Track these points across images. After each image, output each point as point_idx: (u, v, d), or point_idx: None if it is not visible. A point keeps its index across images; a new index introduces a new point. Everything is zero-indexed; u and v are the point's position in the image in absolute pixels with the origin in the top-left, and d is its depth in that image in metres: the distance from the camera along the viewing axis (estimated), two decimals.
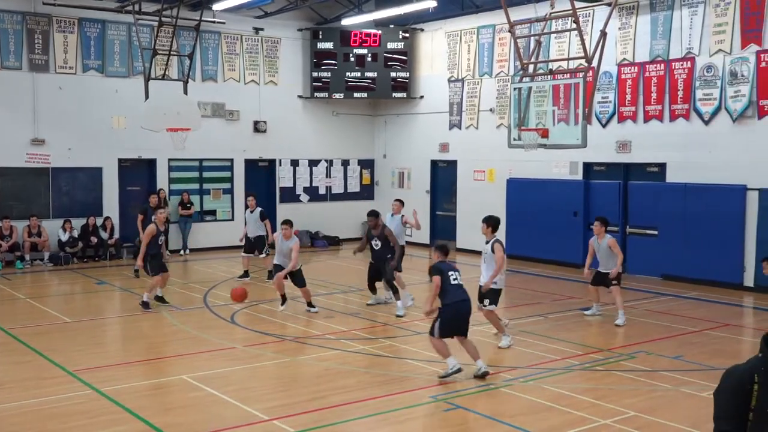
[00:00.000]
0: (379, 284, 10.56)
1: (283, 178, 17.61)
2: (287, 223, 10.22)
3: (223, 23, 16.01)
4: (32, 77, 14.26)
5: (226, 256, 15.29)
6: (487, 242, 8.23)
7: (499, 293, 8.34)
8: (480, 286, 8.22)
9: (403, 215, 11.01)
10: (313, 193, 18.07)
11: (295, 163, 17.80)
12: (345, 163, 18.59)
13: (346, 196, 18.52)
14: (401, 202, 11.31)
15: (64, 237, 14.14)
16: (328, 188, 18.35)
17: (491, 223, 8.25)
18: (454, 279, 6.99)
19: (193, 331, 9.06)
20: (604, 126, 13.63)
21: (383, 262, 10.17)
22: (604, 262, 9.60)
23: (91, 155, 14.84)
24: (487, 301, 8.17)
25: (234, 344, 8.61)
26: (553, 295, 11.67)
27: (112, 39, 15.15)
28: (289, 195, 17.67)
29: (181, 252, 15.69)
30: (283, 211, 16.99)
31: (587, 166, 14.10)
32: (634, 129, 13.19)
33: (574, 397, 6.61)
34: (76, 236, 14.28)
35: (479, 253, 8.86)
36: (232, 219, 16.75)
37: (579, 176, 14.16)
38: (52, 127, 14.43)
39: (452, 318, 6.86)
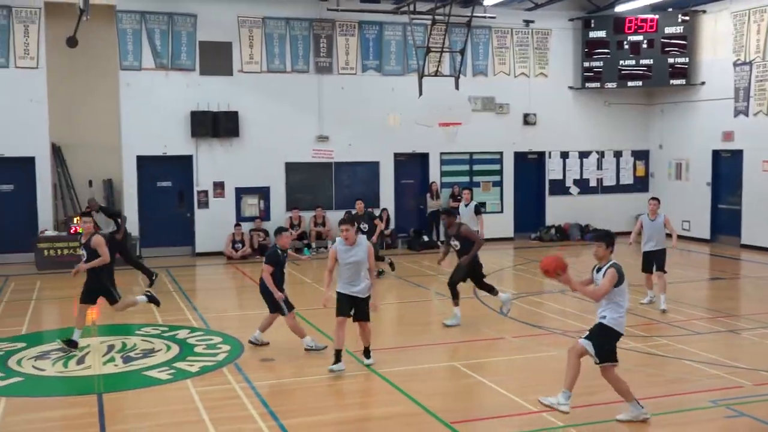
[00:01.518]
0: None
1: (553, 170, 17.57)
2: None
3: (494, 18, 16.21)
4: (318, 79, 15.78)
5: (495, 247, 15.37)
6: (598, 268, 5.82)
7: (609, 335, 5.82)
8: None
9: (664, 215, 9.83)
10: (583, 186, 17.79)
11: (564, 155, 17.60)
12: (617, 155, 18.05)
13: (618, 188, 18.03)
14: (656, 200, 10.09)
15: None
16: (599, 180, 17.93)
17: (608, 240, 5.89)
18: None
19: (463, 320, 9.08)
20: None
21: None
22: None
23: (369, 150, 16.00)
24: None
25: (502, 335, 8.76)
26: None
27: (388, 39, 16.12)
28: (559, 187, 17.60)
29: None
30: (552, 203, 17.29)
31: None
32: None
33: None
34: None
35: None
36: (501, 211, 17.07)
37: None
38: (335, 124, 15.81)
39: None
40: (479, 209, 12.10)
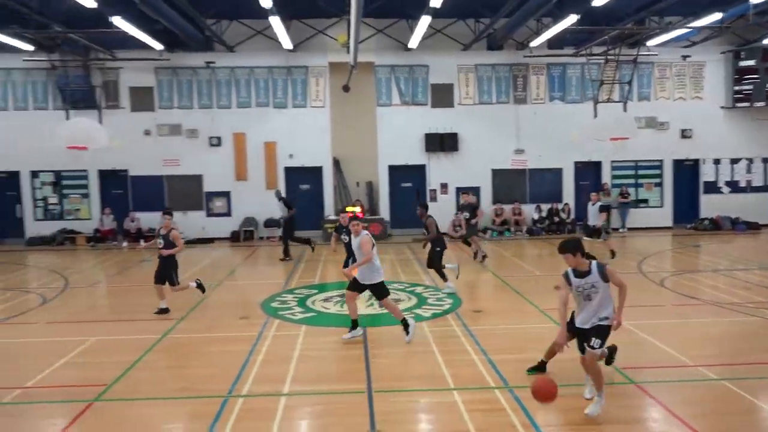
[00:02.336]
0: None
1: (706, 174, 21.46)
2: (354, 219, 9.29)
3: (656, 55, 20.31)
4: (515, 108, 21.05)
5: (654, 234, 19.77)
6: (582, 274, 6.07)
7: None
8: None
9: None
10: (733, 186, 21.41)
11: (717, 162, 21.40)
12: (765, 161, 21.52)
13: (765, 188, 21.56)
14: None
15: (536, 216, 20.55)
16: (748, 182, 21.43)
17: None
18: None
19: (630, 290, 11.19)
20: None
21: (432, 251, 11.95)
22: None
23: (555, 159, 20.96)
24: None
25: (663, 303, 10.58)
26: None
27: (570, 76, 21.02)
28: (711, 188, 21.46)
29: (620, 230, 20.71)
30: (705, 200, 21.40)
31: None
32: None
33: None
34: (544, 216, 20.55)
35: None
36: (662, 206, 21.49)
37: None
38: (528, 140, 20.98)
39: None
40: (603, 208, 14.45)
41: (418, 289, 12.11)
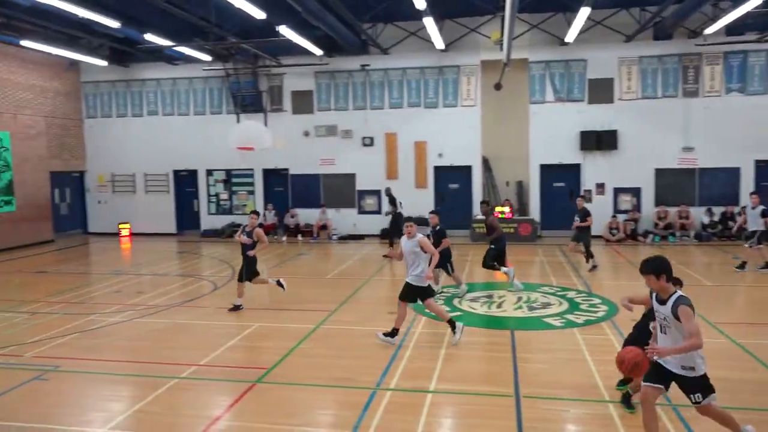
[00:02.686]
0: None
1: None
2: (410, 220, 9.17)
3: None
4: (684, 102, 19.26)
5: None
6: (662, 301, 5.20)
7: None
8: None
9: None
10: None
11: None
12: None
13: None
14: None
15: (706, 220, 18.70)
16: None
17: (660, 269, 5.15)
18: None
19: None
20: None
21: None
22: None
23: (731, 157, 18.89)
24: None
25: None
26: None
27: (752, 64, 18.82)
28: None
29: None
30: None
31: None
32: None
33: None
34: (716, 220, 18.62)
35: None
36: None
37: None
38: (699, 137, 19.12)
39: None
40: (765, 213, 13.09)
41: (570, 294, 11.69)
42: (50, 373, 7.72)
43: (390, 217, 18.06)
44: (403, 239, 8.88)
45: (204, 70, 21.73)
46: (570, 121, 19.81)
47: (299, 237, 20.98)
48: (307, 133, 21.55)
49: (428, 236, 10.38)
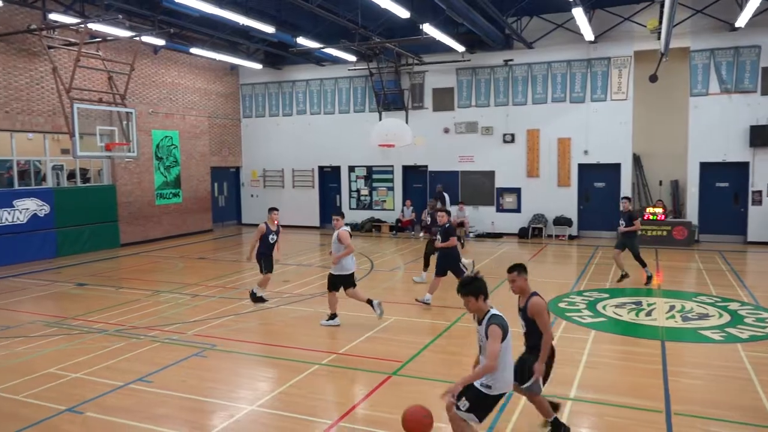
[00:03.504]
0: None
1: None
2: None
3: None
4: None
5: None
6: (479, 321, 5.04)
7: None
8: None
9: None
10: None
11: None
12: None
13: None
14: None
15: None
16: None
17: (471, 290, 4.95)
18: None
19: None
20: None
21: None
22: None
23: None
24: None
25: None
26: None
27: None
28: None
29: None
30: None
31: None
32: None
33: None
34: None
35: None
36: None
37: None
38: None
39: None
40: None
41: (733, 305, 10.62)
42: (208, 351, 8.44)
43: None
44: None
45: (349, 70, 22.54)
46: (738, 114, 17.90)
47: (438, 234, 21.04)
48: (447, 130, 21.55)
49: (438, 232, 11.33)
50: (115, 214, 19.15)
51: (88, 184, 18.74)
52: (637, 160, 19.69)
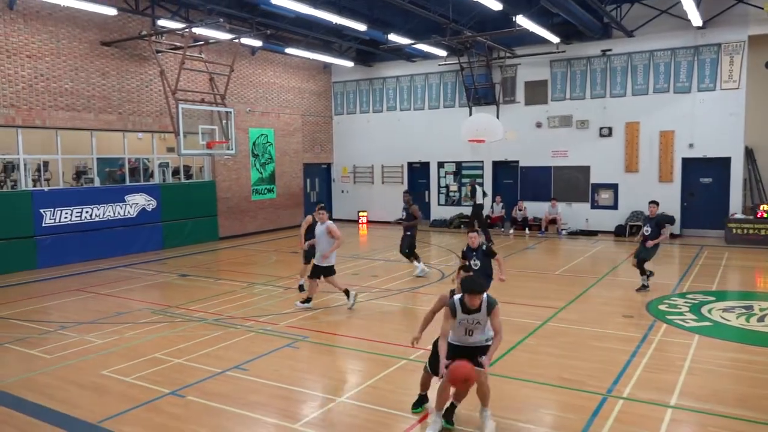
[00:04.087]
0: None
1: None
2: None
3: None
4: None
5: None
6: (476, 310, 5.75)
7: None
8: None
9: None
10: None
11: None
12: None
13: None
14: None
15: None
16: None
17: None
18: None
19: None
20: None
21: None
22: None
23: None
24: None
25: None
26: None
27: None
28: None
29: None
30: None
31: None
32: None
33: None
34: None
35: None
36: None
37: None
38: None
39: None
40: None
41: None
42: (300, 342, 8.70)
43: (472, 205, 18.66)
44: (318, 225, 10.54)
45: (439, 65, 22.43)
46: None
47: (526, 231, 20.55)
48: (539, 124, 20.97)
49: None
50: (215, 208, 20.16)
51: (190, 181, 19.85)
52: (749, 153, 18.29)
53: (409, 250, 13.56)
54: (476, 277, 6.34)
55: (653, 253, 11.55)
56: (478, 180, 20.91)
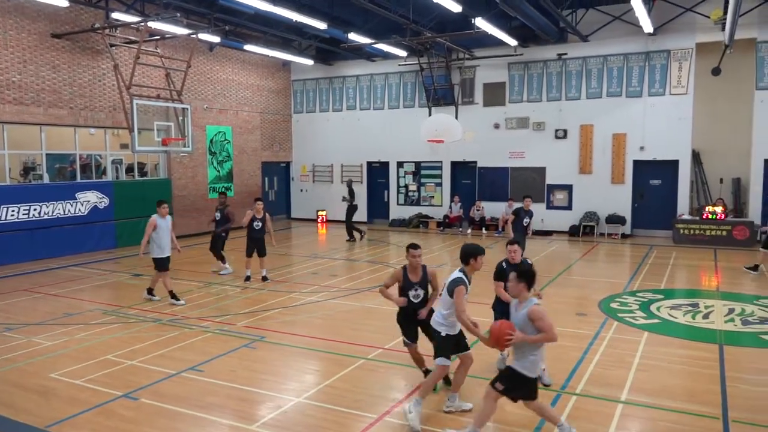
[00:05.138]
0: None
1: None
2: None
3: None
4: None
5: None
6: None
7: None
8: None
9: None
10: None
11: None
12: None
13: None
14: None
15: None
16: None
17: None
18: None
19: None
20: None
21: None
22: None
23: None
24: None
25: None
26: None
27: None
28: None
29: None
30: None
31: None
32: None
33: None
34: None
35: None
36: None
37: None
38: None
39: None
40: None
41: None
42: (257, 342, 8.61)
43: (346, 205, 19.82)
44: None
45: (399, 65, 22.51)
46: None
47: (483, 230, 20.84)
48: (497, 126, 21.27)
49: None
50: (170, 207, 19.72)
51: (145, 178, 19.39)
52: (696, 156, 18.97)
53: (220, 251, 14.23)
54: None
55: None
56: (355, 179, 21.21)
